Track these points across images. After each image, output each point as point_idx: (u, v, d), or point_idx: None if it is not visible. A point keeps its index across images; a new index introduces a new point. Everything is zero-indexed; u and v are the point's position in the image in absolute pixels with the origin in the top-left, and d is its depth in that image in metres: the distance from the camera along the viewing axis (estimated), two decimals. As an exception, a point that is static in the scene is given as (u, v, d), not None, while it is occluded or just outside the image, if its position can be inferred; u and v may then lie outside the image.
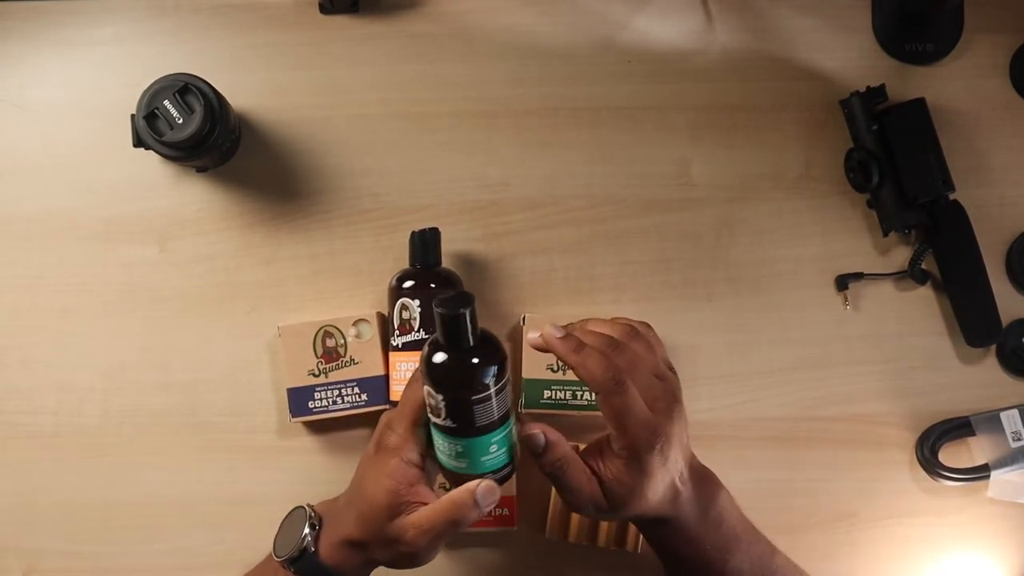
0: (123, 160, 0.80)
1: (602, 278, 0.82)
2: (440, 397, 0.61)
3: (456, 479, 0.64)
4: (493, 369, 0.61)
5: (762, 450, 0.81)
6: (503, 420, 0.63)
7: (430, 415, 0.63)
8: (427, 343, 0.62)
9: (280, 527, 0.70)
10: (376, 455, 0.66)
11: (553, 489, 0.79)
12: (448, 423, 0.62)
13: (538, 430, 0.64)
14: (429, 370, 0.61)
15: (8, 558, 0.80)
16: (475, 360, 0.61)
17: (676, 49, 0.83)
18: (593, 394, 0.63)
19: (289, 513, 0.70)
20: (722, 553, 0.68)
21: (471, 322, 0.60)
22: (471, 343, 0.60)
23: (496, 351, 0.61)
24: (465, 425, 0.62)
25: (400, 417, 0.66)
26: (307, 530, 0.66)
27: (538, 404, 0.78)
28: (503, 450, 0.64)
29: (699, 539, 0.68)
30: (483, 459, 0.63)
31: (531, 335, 0.66)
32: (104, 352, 0.81)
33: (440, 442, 0.64)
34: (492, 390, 0.61)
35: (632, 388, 0.63)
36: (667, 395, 0.65)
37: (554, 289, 0.81)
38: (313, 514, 0.68)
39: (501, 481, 0.65)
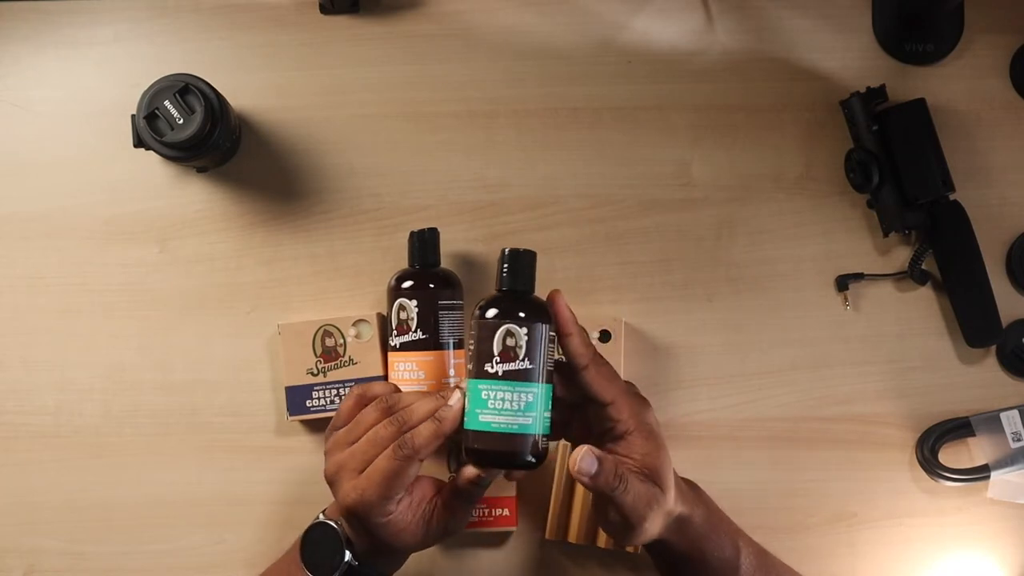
0: (123, 160, 0.81)
1: (602, 278, 0.82)
2: (523, 331, 0.64)
3: (505, 442, 0.65)
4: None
5: (762, 450, 0.81)
6: (551, 377, 0.66)
7: (495, 365, 0.64)
8: (482, 303, 0.66)
9: (307, 542, 0.70)
10: (352, 517, 0.66)
11: (554, 489, 0.79)
12: (524, 363, 0.64)
13: (585, 449, 0.63)
14: (512, 307, 0.65)
15: (8, 558, 0.80)
16: (540, 300, 0.67)
17: (676, 49, 0.83)
18: (581, 369, 0.66)
19: (313, 526, 0.70)
20: (734, 542, 0.71)
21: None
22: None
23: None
24: (539, 367, 0.64)
25: (381, 483, 0.65)
26: (349, 558, 0.68)
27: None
28: (550, 413, 0.66)
29: (715, 531, 0.70)
30: (544, 414, 0.65)
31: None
32: (104, 352, 0.81)
33: (502, 397, 0.64)
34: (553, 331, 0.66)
35: (610, 365, 0.67)
36: (631, 385, 0.69)
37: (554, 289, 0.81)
38: (340, 529, 0.68)
39: (545, 451, 0.66)
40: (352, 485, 0.65)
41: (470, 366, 0.66)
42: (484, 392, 0.64)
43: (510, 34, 0.83)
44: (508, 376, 0.64)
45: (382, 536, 0.66)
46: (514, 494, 0.79)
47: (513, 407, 0.64)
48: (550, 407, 0.66)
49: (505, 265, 0.67)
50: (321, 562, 0.68)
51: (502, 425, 0.64)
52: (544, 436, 0.66)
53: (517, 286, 0.66)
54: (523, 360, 0.64)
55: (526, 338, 0.64)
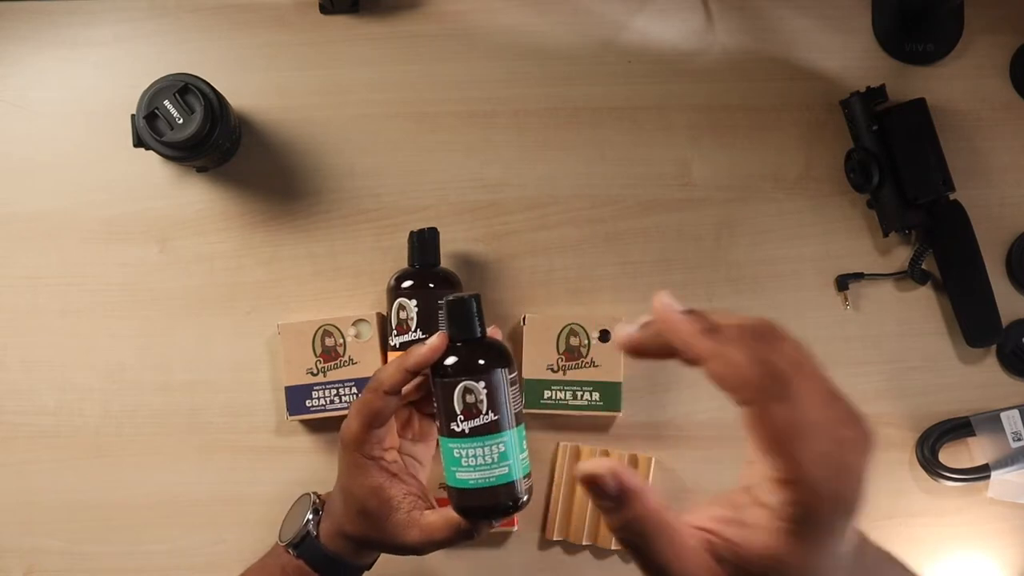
0: (123, 160, 0.81)
1: (602, 278, 0.82)
2: (481, 384, 0.60)
3: (488, 495, 0.61)
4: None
5: (762, 450, 0.81)
6: (521, 417, 0.64)
7: (460, 424, 0.61)
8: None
9: (288, 513, 0.73)
10: (345, 453, 0.65)
11: (554, 489, 0.79)
12: (489, 417, 0.61)
13: (604, 469, 0.42)
14: (463, 359, 0.61)
15: (8, 558, 0.80)
16: (495, 341, 0.63)
17: (676, 49, 0.83)
18: (737, 404, 0.43)
19: (297, 500, 0.73)
20: None
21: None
22: (482, 332, 0.63)
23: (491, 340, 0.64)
24: (505, 415, 0.61)
25: (356, 414, 0.64)
26: (310, 515, 0.69)
27: (538, 404, 0.78)
28: (526, 452, 0.63)
29: None
30: (521, 457, 0.62)
31: (624, 328, 0.45)
32: (104, 352, 0.81)
33: (474, 454, 0.61)
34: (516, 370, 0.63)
35: (804, 397, 0.42)
36: (854, 420, 0.43)
37: (554, 289, 0.81)
38: (317, 500, 0.70)
39: (530, 490, 0.63)
40: (342, 424, 0.65)
41: (438, 423, 0.63)
42: (456, 451, 0.61)
43: (510, 34, 0.83)
44: (475, 432, 0.61)
45: (385, 531, 0.65)
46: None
47: (487, 461, 0.61)
48: (525, 447, 0.63)
49: (448, 315, 0.62)
50: (289, 529, 0.70)
51: (480, 481, 0.61)
52: (524, 477, 0.63)
53: (464, 335, 0.62)
54: (487, 414, 0.61)
55: (485, 391, 0.60)
